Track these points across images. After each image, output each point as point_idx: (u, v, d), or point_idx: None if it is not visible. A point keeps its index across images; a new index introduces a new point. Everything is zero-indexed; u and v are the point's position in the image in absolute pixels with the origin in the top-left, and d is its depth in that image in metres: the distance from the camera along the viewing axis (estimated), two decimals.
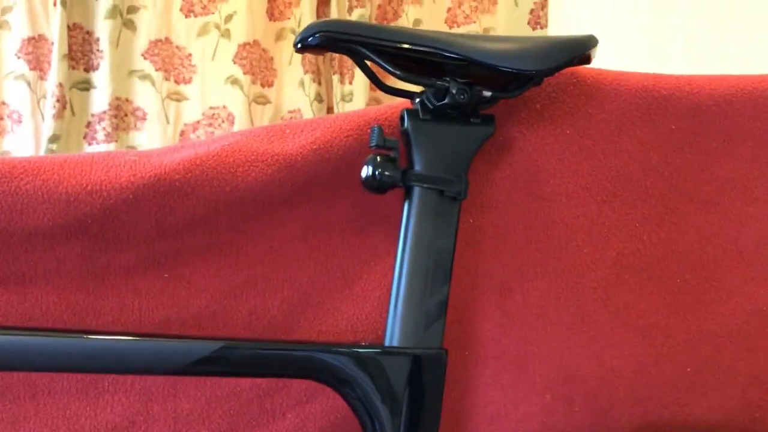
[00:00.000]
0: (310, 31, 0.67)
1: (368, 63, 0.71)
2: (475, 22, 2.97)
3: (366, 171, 0.71)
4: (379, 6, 2.93)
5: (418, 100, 0.73)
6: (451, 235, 0.73)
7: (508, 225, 0.86)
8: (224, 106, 2.76)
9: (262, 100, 2.82)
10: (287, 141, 0.79)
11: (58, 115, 2.59)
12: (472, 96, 0.71)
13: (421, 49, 0.70)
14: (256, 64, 2.80)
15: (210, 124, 2.78)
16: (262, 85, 2.83)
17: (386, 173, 0.70)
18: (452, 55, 0.70)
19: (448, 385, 0.77)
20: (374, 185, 0.70)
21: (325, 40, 0.68)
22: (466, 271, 0.85)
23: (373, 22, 2.83)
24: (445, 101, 0.71)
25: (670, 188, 0.88)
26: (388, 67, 0.70)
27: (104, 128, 2.68)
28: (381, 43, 0.69)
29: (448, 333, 0.84)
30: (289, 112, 2.83)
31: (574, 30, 2.75)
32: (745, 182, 0.89)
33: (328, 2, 2.86)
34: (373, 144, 0.71)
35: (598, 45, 0.77)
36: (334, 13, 2.83)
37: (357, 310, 0.83)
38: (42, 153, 2.55)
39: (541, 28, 2.97)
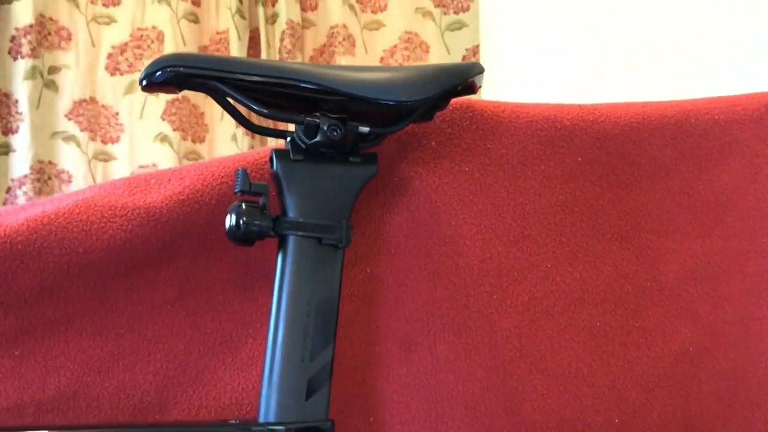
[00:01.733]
0: (157, 65, 0.60)
1: (231, 100, 0.64)
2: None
3: (229, 221, 0.62)
4: (311, 57, 2.90)
5: (288, 139, 0.66)
6: (333, 287, 0.65)
7: (408, 273, 0.78)
8: (154, 164, 2.66)
9: (193, 156, 2.74)
10: (151, 192, 0.70)
11: None
12: (347, 132, 0.64)
13: (283, 81, 0.63)
14: (186, 119, 2.72)
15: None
16: (193, 141, 2.75)
17: (253, 222, 0.62)
18: (317, 87, 0.63)
19: None
20: (239, 236, 0.62)
21: (175, 77, 0.60)
22: (366, 326, 0.77)
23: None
24: (317, 139, 0.63)
25: (582, 225, 0.81)
26: (248, 103, 0.62)
27: (25, 193, 2.55)
28: (238, 78, 0.61)
29: (349, 397, 0.75)
30: None
31: (510, 79, 2.78)
32: (660, 214, 0.83)
33: (257, 54, 2.81)
34: (237, 190, 0.63)
35: (483, 73, 0.71)
36: None
37: (242, 380, 0.73)
38: None
39: None
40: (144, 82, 0.60)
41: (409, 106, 0.66)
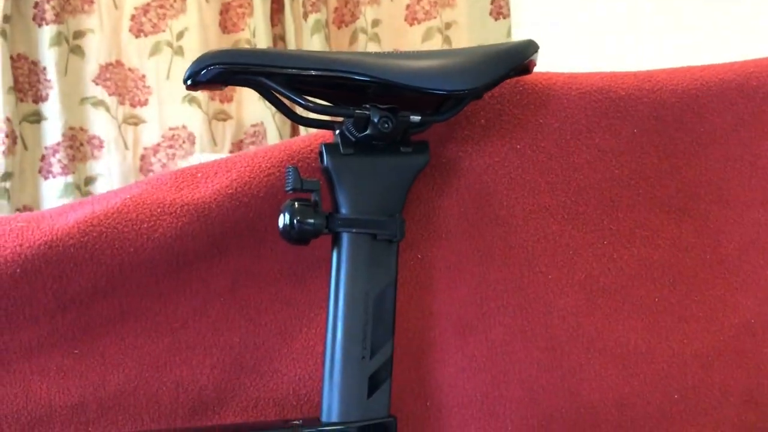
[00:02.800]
0: (202, 64, 0.57)
1: (277, 94, 0.62)
2: (435, 17, 2.88)
3: (283, 220, 0.61)
4: (336, 9, 2.83)
5: (338, 131, 0.64)
6: (390, 282, 0.64)
7: (461, 256, 0.76)
8: (184, 126, 2.66)
9: (222, 117, 2.72)
10: (199, 187, 0.69)
11: (9, 151, 2.48)
12: (398, 124, 0.61)
13: (331, 74, 0.60)
14: None
15: (170, 146, 2.68)
16: (222, 101, 2.73)
17: (307, 221, 0.60)
18: (368, 79, 0.60)
19: None
20: (294, 236, 0.60)
21: (221, 75, 0.58)
22: (419, 312, 0.76)
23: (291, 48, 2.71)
24: (368, 132, 0.61)
25: (639, 198, 0.79)
26: (295, 98, 0.60)
27: (60, 161, 2.57)
28: (285, 72, 0.59)
29: (406, 383, 0.75)
30: (252, 126, 2.74)
31: (538, 20, 2.68)
32: (720, 183, 0.80)
33: (281, 9, 2.76)
34: (288, 188, 0.61)
35: (538, 51, 0.68)
36: (289, 20, 2.73)
37: (299, 370, 0.73)
38: None
39: (504, 17, 2.87)
40: (189, 82, 0.58)
41: (464, 94, 0.63)
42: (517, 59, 0.66)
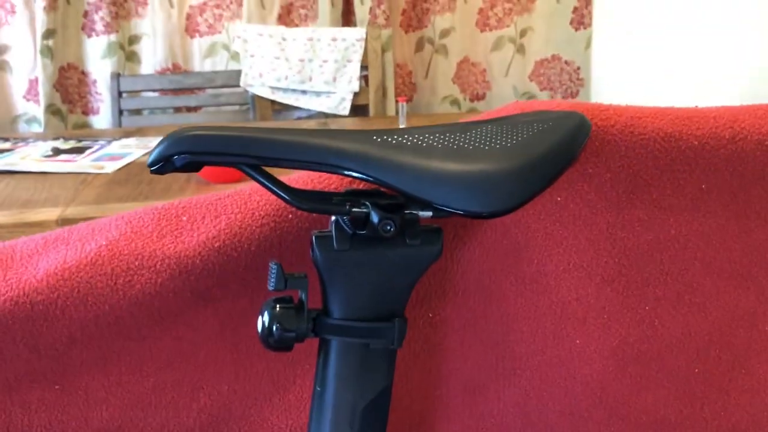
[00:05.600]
0: (168, 150, 0.47)
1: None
2: (509, 25, 2.55)
3: (261, 324, 0.53)
4: (404, 11, 2.53)
5: (333, 219, 0.53)
6: (383, 389, 0.56)
7: (478, 316, 0.68)
8: None
9: None
10: (183, 235, 0.61)
11: (51, 7, 2.38)
12: (404, 224, 0.51)
13: (323, 169, 0.49)
14: None
15: (217, 6, 2.54)
16: None
17: (288, 328, 0.52)
18: (372, 180, 0.49)
19: None
20: (273, 344, 0.52)
21: (191, 165, 0.48)
22: (426, 370, 0.69)
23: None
24: (366, 232, 0.51)
25: (695, 262, 0.67)
26: (279, 193, 0.50)
27: (102, 18, 2.46)
28: (266, 162, 0.48)
29: None
30: None
31: (617, 33, 2.40)
32: None
33: (350, 13, 2.50)
34: (271, 287, 0.52)
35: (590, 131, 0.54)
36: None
37: (290, 422, 0.68)
38: (38, 48, 2.38)
39: (585, 28, 2.55)
40: (153, 169, 0.48)
41: (500, 212, 0.50)
42: (569, 158, 0.52)
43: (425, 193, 0.48)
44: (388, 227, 0.49)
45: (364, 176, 0.48)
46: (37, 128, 2.48)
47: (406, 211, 0.51)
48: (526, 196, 0.49)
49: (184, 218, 0.61)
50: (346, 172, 0.48)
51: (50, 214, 1.26)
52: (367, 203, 0.50)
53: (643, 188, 0.64)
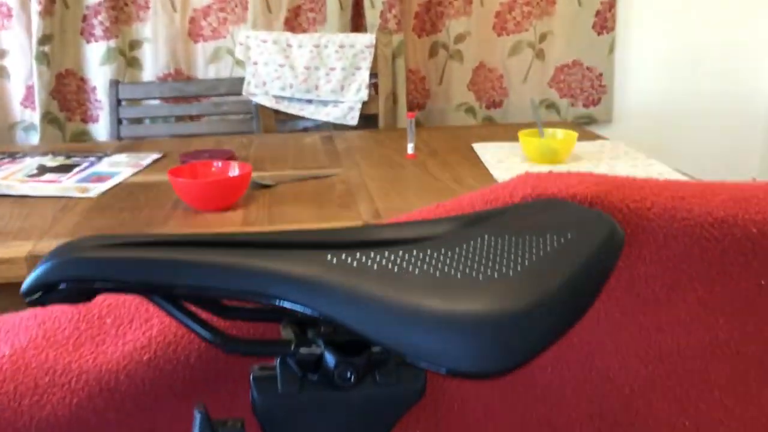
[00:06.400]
0: (53, 274, 0.34)
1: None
2: (527, 29, 2.41)
3: None
4: (416, 14, 2.39)
5: (278, 360, 0.40)
6: None
7: (480, 428, 0.55)
8: None
9: None
10: (105, 342, 0.49)
11: (47, 12, 2.28)
12: (373, 365, 0.38)
13: (257, 300, 0.36)
14: None
15: (222, 9, 2.42)
16: None
17: None
18: (322, 319, 0.36)
19: None
20: None
21: (83, 293, 0.36)
22: None
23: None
24: (317, 377, 0.38)
25: (749, 372, 0.54)
26: (198, 330, 0.37)
27: (101, 22, 2.36)
28: (180, 293, 0.36)
29: None
30: None
31: (643, 38, 2.36)
32: None
33: (360, 16, 2.37)
34: None
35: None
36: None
37: None
38: (34, 54, 2.28)
39: (608, 32, 2.40)
40: (30, 300, 0.36)
41: (498, 372, 0.37)
42: (595, 290, 0.38)
43: (393, 340, 0.35)
44: (348, 375, 0.37)
45: (312, 311, 0.35)
46: (35, 136, 2.39)
47: (374, 349, 0.38)
48: (536, 349, 0.35)
49: (108, 321, 0.49)
50: (287, 304, 0.35)
51: (20, 249, 1.15)
52: (320, 341, 0.37)
53: (686, 284, 0.51)
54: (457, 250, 0.37)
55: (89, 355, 0.50)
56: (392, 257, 0.37)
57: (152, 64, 2.39)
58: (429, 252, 0.37)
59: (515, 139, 1.85)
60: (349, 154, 1.75)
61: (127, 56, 2.41)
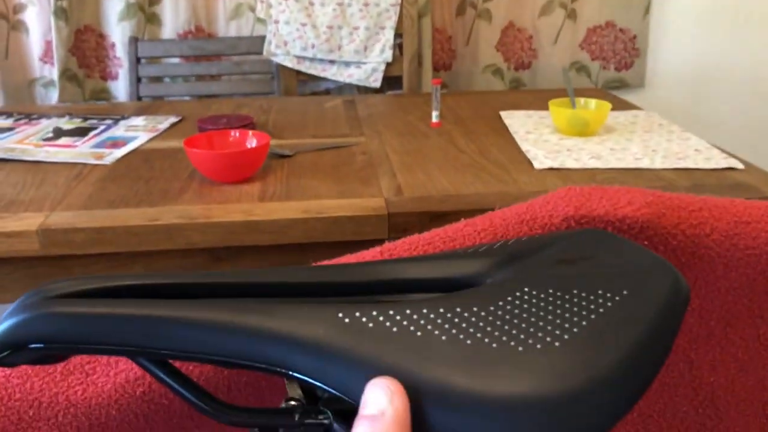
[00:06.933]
0: (18, 333, 0.29)
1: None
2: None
3: None
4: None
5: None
6: None
7: None
8: None
9: None
10: (96, 373, 0.45)
11: None
12: None
13: (256, 368, 0.31)
14: None
15: None
16: None
17: None
18: (330, 389, 0.31)
19: None
20: None
21: (47, 357, 0.31)
22: None
23: None
24: None
25: None
26: (191, 398, 0.32)
27: None
28: (164, 357, 0.31)
29: None
30: None
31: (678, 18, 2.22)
32: None
33: None
34: None
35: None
36: None
37: None
38: (52, 9, 2.22)
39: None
40: None
41: None
42: (658, 363, 0.32)
43: (417, 420, 0.30)
44: None
45: (321, 384, 0.30)
46: (54, 93, 2.35)
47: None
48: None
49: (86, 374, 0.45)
50: (292, 374, 0.30)
51: (31, 222, 1.12)
52: (328, 411, 0.32)
53: (746, 320, 0.45)
54: (491, 308, 0.31)
55: (78, 386, 0.45)
56: (414, 316, 0.31)
57: (172, 20, 2.32)
58: (458, 311, 0.31)
59: (544, 106, 1.77)
60: (372, 122, 1.68)
61: (147, 12, 2.34)
